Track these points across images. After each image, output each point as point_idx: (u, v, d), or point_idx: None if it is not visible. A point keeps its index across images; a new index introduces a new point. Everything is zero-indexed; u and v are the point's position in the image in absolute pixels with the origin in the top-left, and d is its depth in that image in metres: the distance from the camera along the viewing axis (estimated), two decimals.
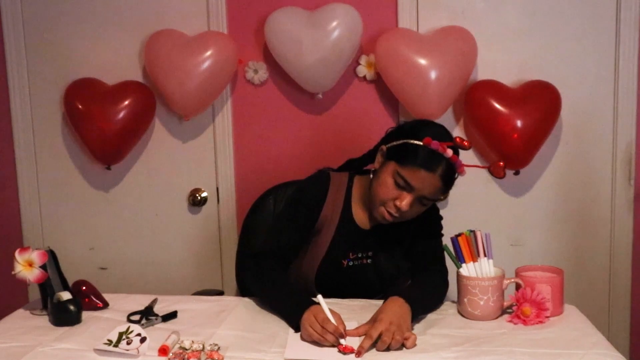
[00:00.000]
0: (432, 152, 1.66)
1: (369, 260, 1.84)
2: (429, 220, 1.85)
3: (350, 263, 1.83)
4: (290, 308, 1.60)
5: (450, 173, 1.68)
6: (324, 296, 1.57)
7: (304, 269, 1.84)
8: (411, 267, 1.86)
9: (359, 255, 1.84)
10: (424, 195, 1.68)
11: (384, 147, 1.77)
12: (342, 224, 1.83)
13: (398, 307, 1.56)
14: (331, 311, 1.51)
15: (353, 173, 1.91)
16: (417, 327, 1.56)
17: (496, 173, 1.76)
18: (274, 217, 2.06)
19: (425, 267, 1.81)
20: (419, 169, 1.65)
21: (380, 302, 1.74)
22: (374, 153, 1.84)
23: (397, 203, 1.68)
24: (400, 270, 1.87)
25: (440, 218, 1.91)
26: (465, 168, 1.72)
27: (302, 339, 1.52)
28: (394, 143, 1.73)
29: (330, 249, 1.82)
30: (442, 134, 1.71)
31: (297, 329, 1.56)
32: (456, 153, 1.70)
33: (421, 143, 1.66)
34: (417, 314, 1.60)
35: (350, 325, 1.57)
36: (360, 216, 1.85)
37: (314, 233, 1.84)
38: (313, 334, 1.48)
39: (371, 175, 1.78)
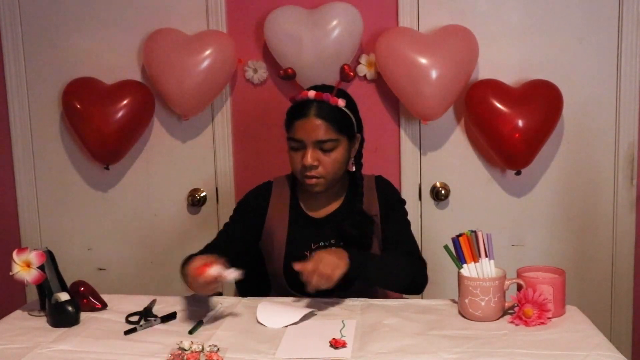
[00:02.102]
0: (298, 104, 1.81)
1: (333, 248, 1.86)
2: (389, 206, 1.91)
3: (314, 253, 1.84)
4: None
5: (324, 109, 1.79)
6: (300, 291, 1.74)
7: (272, 267, 1.91)
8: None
9: (321, 245, 1.87)
10: (317, 140, 1.77)
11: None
12: (293, 218, 1.90)
13: (334, 251, 1.66)
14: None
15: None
16: (418, 328, 1.56)
17: (344, 76, 1.84)
18: None
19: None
20: (295, 122, 1.79)
21: (379, 301, 1.74)
22: None
23: (303, 162, 1.77)
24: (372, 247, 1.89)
25: (402, 202, 1.97)
26: (343, 100, 1.83)
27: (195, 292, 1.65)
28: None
29: (289, 243, 1.88)
30: (318, 86, 1.85)
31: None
32: (322, 90, 1.81)
33: (292, 103, 1.84)
34: (356, 266, 1.66)
35: (350, 324, 1.57)
36: (311, 207, 1.92)
37: (269, 234, 1.90)
38: (193, 282, 1.60)
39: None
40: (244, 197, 1.99)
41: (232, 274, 1.59)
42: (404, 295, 2.02)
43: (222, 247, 1.83)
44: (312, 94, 1.81)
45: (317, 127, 1.77)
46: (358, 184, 1.90)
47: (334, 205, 1.92)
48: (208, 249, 1.85)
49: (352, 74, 1.84)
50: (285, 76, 1.89)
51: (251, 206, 1.95)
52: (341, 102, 1.82)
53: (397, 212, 1.93)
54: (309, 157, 1.77)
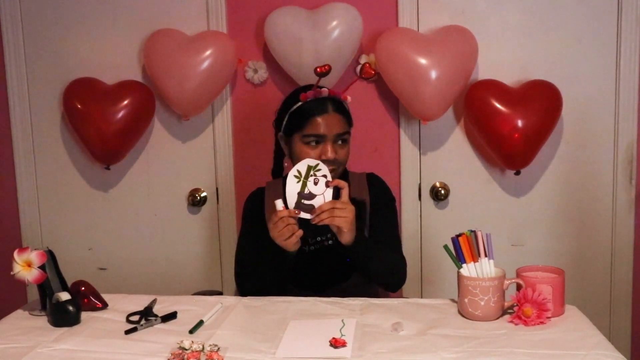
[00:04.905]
0: (313, 101, 1.85)
1: (330, 242, 1.90)
2: (380, 201, 1.95)
3: (312, 248, 1.91)
4: (279, 256, 1.77)
5: (339, 104, 1.88)
6: (299, 286, 1.85)
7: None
8: None
9: (318, 239, 1.91)
10: (337, 134, 1.84)
11: (279, 134, 1.96)
12: None
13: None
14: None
15: (285, 176, 1.99)
16: (418, 327, 1.56)
17: (365, 74, 1.91)
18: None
19: None
20: (316, 118, 1.83)
21: (379, 301, 1.75)
22: (279, 152, 2.04)
23: (324, 157, 1.82)
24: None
25: (393, 200, 2.01)
26: (350, 97, 1.91)
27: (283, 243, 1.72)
28: (284, 123, 1.92)
29: None
30: (310, 86, 1.90)
31: (290, 253, 1.76)
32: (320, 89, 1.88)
33: (300, 102, 1.86)
34: (359, 241, 1.75)
35: (350, 323, 1.57)
36: None
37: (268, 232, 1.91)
38: (281, 232, 1.69)
39: (285, 165, 1.98)
40: (243, 209, 2.04)
41: (279, 204, 1.70)
42: (404, 295, 2.04)
43: (254, 257, 1.87)
44: (325, 91, 1.87)
45: (337, 121, 1.85)
46: (344, 176, 1.95)
47: None
48: (245, 264, 1.91)
49: (373, 72, 1.91)
50: (322, 73, 1.88)
51: (250, 214, 1.99)
52: (349, 99, 1.90)
53: (386, 210, 1.97)
54: (331, 152, 1.83)
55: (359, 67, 2.49)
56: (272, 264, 1.81)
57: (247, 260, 1.91)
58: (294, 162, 1.90)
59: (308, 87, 1.90)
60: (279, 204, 1.70)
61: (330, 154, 1.82)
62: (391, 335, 1.52)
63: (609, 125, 2.50)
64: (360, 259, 1.81)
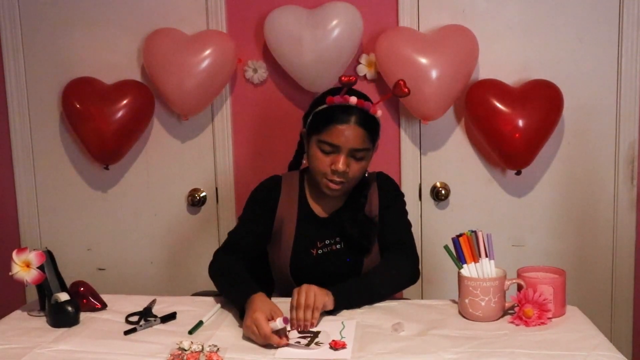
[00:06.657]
0: (338, 107, 1.76)
1: (338, 246, 1.87)
2: (387, 199, 1.91)
3: (320, 251, 1.87)
4: (235, 299, 1.67)
5: (365, 117, 1.76)
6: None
7: (278, 264, 1.90)
8: (380, 253, 1.89)
9: (327, 243, 1.88)
10: (353, 148, 1.75)
11: (302, 130, 1.88)
12: (301, 216, 1.90)
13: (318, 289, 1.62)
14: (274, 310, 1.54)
15: (302, 170, 1.98)
16: (418, 328, 1.56)
17: (398, 91, 1.81)
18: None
19: (390, 251, 1.85)
20: (334, 126, 1.74)
21: (383, 304, 1.74)
22: (301, 147, 1.96)
23: (333, 167, 1.75)
24: (373, 250, 1.88)
25: (401, 195, 1.97)
26: (381, 111, 1.82)
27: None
28: (308, 121, 1.84)
29: (296, 241, 1.88)
30: (342, 90, 1.79)
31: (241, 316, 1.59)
32: (364, 99, 1.78)
33: (325, 105, 1.77)
34: (341, 301, 1.66)
35: (350, 325, 1.57)
36: (317, 206, 1.92)
37: (277, 230, 1.90)
38: (257, 340, 1.50)
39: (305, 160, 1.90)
40: (254, 193, 1.95)
41: (279, 325, 1.48)
42: (404, 296, 2.03)
43: (246, 247, 1.86)
44: (354, 100, 1.75)
45: (356, 136, 1.74)
46: (364, 187, 1.89)
47: (338, 204, 1.91)
48: (232, 248, 1.86)
49: (406, 90, 1.79)
50: (346, 83, 1.76)
51: (263, 201, 1.92)
52: (379, 113, 1.81)
53: (394, 204, 1.93)
54: (342, 164, 1.74)
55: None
56: (234, 278, 1.75)
57: (231, 249, 1.87)
58: (308, 160, 1.85)
59: (354, 93, 1.80)
60: (280, 323, 1.48)
61: (340, 166, 1.74)
62: (391, 336, 1.52)
63: (610, 124, 2.49)
64: (353, 306, 1.73)
